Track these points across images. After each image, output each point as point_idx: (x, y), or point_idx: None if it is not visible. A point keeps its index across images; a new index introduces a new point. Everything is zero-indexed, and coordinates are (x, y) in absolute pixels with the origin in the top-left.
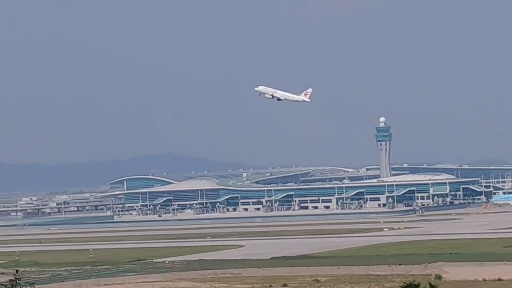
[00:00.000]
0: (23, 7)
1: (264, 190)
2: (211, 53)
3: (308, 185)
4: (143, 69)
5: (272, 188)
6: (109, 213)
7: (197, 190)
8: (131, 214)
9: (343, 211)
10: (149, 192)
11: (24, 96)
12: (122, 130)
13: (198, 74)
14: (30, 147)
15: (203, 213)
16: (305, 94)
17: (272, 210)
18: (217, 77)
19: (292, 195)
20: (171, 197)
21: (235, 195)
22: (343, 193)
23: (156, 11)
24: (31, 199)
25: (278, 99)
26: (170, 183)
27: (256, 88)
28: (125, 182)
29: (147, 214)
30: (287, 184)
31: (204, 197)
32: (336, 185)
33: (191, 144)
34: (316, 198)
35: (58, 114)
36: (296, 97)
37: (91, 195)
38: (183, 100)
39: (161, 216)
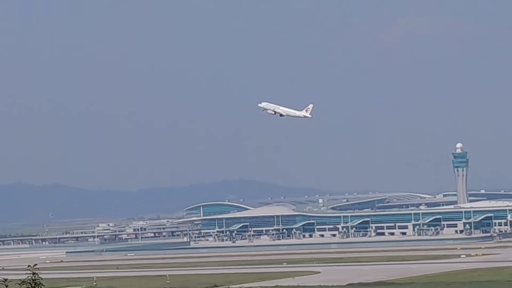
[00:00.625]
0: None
1: (340, 216)
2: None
3: (385, 211)
4: (220, 98)
5: (349, 214)
6: (185, 239)
7: (273, 216)
8: (207, 240)
9: (420, 237)
10: (226, 218)
11: (99, 123)
12: (200, 156)
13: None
14: (107, 173)
15: (279, 239)
16: (306, 110)
17: (349, 236)
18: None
19: (368, 221)
20: (247, 223)
21: (311, 221)
22: (420, 219)
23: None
24: (108, 225)
25: (281, 115)
26: (247, 209)
27: (259, 105)
28: (201, 208)
29: (223, 240)
30: (364, 210)
31: (280, 223)
32: (412, 211)
33: (268, 170)
34: (393, 224)
35: (134, 140)
36: (297, 113)
37: (167, 221)
38: (262, 127)
39: (234, 243)
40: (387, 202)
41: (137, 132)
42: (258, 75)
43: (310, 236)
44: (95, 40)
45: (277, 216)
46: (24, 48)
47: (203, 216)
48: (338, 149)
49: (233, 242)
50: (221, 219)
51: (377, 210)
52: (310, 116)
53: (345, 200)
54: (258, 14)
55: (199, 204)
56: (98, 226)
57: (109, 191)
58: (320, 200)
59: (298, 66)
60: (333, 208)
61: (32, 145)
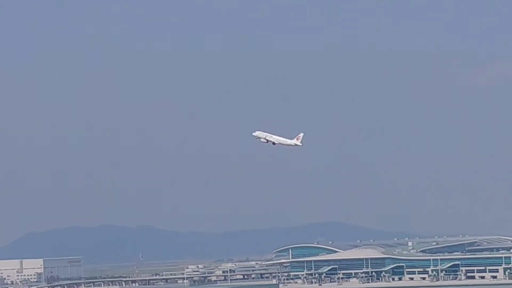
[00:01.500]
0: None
1: (430, 259)
2: None
3: (475, 254)
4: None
5: (438, 257)
6: (274, 281)
7: (362, 259)
8: (296, 282)
9: (510, 281)
10: (315, 261)
11: (189, 164)
12: (289, 198)
13: None
14: (196, 215)
15: (368, 282)
16: (297, 139)
17: (438, 280)
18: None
19: (458, 264)
20: (336, 266)
21: (401, 264)
22: (510, 263)
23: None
24: (198, 267)
25: (273, 143)
26: (336, 251)
27: (253, 133)
28: (290, 250)
29: (312, 282)
30: (454, 253)
31: (369, 266)
32: (503, 255)
33: (357, 213)
34: (483, 267)
35: (224, 182)
36: (288, 141)
37: (256, 263)
38: (350, 170)
39: (321, 285)
40: (477, 245)
41: (227, 174)
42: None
43: (400, 279)
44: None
45: (366, 259)
46: (117, 84)
47: (292, 258)
48: (427, 192)
49: (320, 284)
50: (310, 261)
51: (467, 253)
52: (300, 144)
53: (434, 243)
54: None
55: (288, 246)
56: (188, 268)
57: (198, 233)
58: (410, 243)
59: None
60: (422, 251)
61: (123, 187)
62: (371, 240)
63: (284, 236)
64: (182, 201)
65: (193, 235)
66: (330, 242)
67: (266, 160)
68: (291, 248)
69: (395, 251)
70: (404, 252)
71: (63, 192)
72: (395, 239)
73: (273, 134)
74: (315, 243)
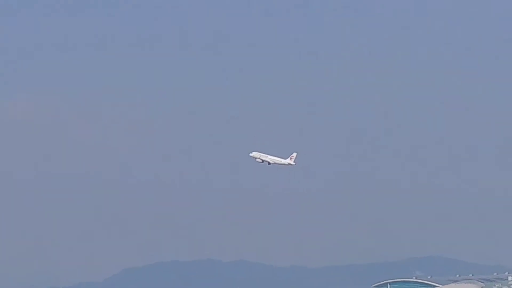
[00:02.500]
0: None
1: None
2: None
3: None
4: None
5: None
6: None
7: None
8: None
9: None
10: None
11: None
12: (386, 232)
13: None
14: (291, 249)
15: None
16: (290, 158)
17: None
18: None
19: None
20: None
21: None
22: None
23: None
24: None
25: (268, 163)
26: (434, 286)
27: (250, 154)
28: (389, 285)
29: None
30: None
31: None
32: None
33: (455, 247)
34: None
35: (321, 216)
36: (283, 161)
37: None
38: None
39: None
40: None
41: (321, 208)
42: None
43: None
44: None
45: None
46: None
47: None
48: None
49: None
50: None
51: None
52: (294, 163)
53: None
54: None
55: (387, 281)
56: None
57: (294, 267)
58: (510, 278)
59: None
60: None
61: (220, 221)
62: (470, 275)
63: (382, 271)
64: (277, 234)
65: (289, 270)
66: (429, 277)
67: (364, 196)
68: (390, 282)
69: (494, 286)
70: (504, 287)
71: (164, 226)
72: (495, 273)
73: (268, 154)
74: (414, 277)
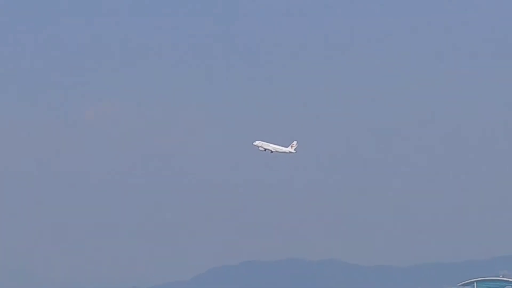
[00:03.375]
0: None
1: None
2: None
3: None
4: None
5: None
6: None
7: None
8: None
9: None
10: None
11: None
12: (472, 230)
13: None
14: (379, 247)
15: None
16: (291, 146)
17: None
18: None
19: None
20: None
21: None
22: None
23: None
24: None
25: (271, 151)
26: None
27: (254, 143)
28: (475, 284)
29: None
30: None
31: None
32: None
33: None
34: None
35: (412, 212)
36: (284, 149)
37: None
38: None
39: None
40: None
41: (403, 206)
42: None
43: None
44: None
45: None
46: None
47: None
48: None
49: None
50: None
51: None
52: (294, 151)
53: None
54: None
55: (473, 279)
56: None
57: (382, 267)
58: None
59: None
60: None
61: (305, 220)
62: None
63: (468, 269)
64: (367, 233)
65: (377, 269)
66: None
67: (448, 194)
68: (476, 281)
69: None
70: None
71: (248, 225)
72: None
73: (270, 143)
74: (500, 276)
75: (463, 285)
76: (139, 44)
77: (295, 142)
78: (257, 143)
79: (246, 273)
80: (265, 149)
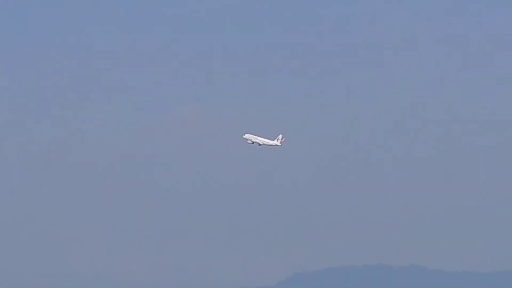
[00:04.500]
0: None
1: None
2: None
3: None
4: None
5: None
6: None
7: None
8: None
9: None
10: None
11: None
12: None
13: None
14: (464, 253)
15: None
16: (277, 140)
17: None
18: None
19: None
20: None
21: None
22: None
23: None
24: None
25: (259, 144)
26: None
27: (243, 136)
28: None
29: None
30: None
31: None
32: None
33: None
34: None
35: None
36: (271, 142)
37: None
38: None
39: None
40: None
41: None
42: None
43: None
44: None
45: None
46: None
47: None
48: None
49: None
50: None
51: None
52: (280, 144)
53: None
54: None
55: None
56: None
57: (466, 273)
58: None
59: None
60: None
61: (390, 225)
62: None
63: None
64: (450, 238)
65: (464, 275)
66: None
67: None
68: None
69: None
70: None
71: (332, 230)
72: None
73: (258, 136)
74: None
75: None
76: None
77: (280, 136)
78: (246, 136)
79: (329, 279)
80: (253, 142)
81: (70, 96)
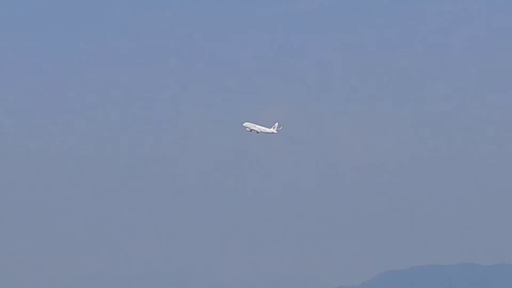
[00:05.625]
0: None
1: None
2: None
3: None
4: None
5: None
6: None
7: None
8: None
9: None
10: None
11: None
12: None
13: None
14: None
15: None
16: (273, 127)
17: None
18: None
19: None
20: None
21: None
22: None
23: None
24: None
25: (257, 132)
26: None
27: (243, 124)
28: None
29: None
30: None
31: None
32: None
33: None
34: None
35: None
36: (268, 130)
37: None
38: None
39: None
40: None
41: None
42: None
43: None
44: None
45: None
46: None
47: None
48: None
49: None
50: None
51: None
52: (276, 132)
53: None
54: None
55: None
56: None
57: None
58: None
59: None
60: None
61: (478, 223)
62: None
63: None
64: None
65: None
66: None
67: None
68: None
69: None
70: None
71: (420, 229)
72: None
73: (256, 124)
74: None
75: None
76: None
77: (276, 124)
78: (245, 124)
79: (417, 278)
80: (251, 130)
81: None
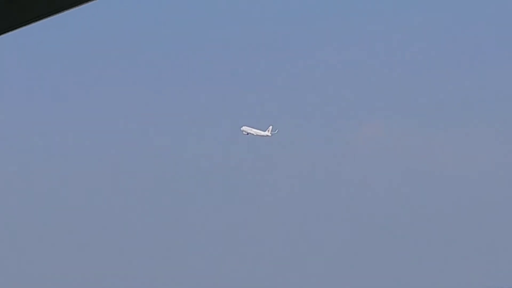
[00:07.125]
0: None
1: None
2: None
3: None
4: None
5: None
6: None
7: None
8: None
9: None
10: None
11: None
12: None
13: None
14: None
15: None
16: (268, 130)
17: None
18: None
19: None
20: None
21: None
22: None
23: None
24: None
25: (254, 135)
26: None
27: (241, 128)
28: None
29: None
30: None
31: None
32: None
33: None
34: None
35: None
36: (262, 133)
37: None
38: None
39: None
40: None
41: None
42: None
43: None
44: None
45: None
46: None
47: None
48: None
49: None
50: None
51: None
52: (270, 135)
53: None
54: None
55: None
56: None
57: None
58: None
59: None
60: None
61: None
62: None
63: None
64: None
65: None
66: None
67: None
68: None
69: None
70: None
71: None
72: None
73: (252, 128)
74: None
75: None
76: None
77: (270, 127)
78: (243, 128)
79: None
80: (247, 133)
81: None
